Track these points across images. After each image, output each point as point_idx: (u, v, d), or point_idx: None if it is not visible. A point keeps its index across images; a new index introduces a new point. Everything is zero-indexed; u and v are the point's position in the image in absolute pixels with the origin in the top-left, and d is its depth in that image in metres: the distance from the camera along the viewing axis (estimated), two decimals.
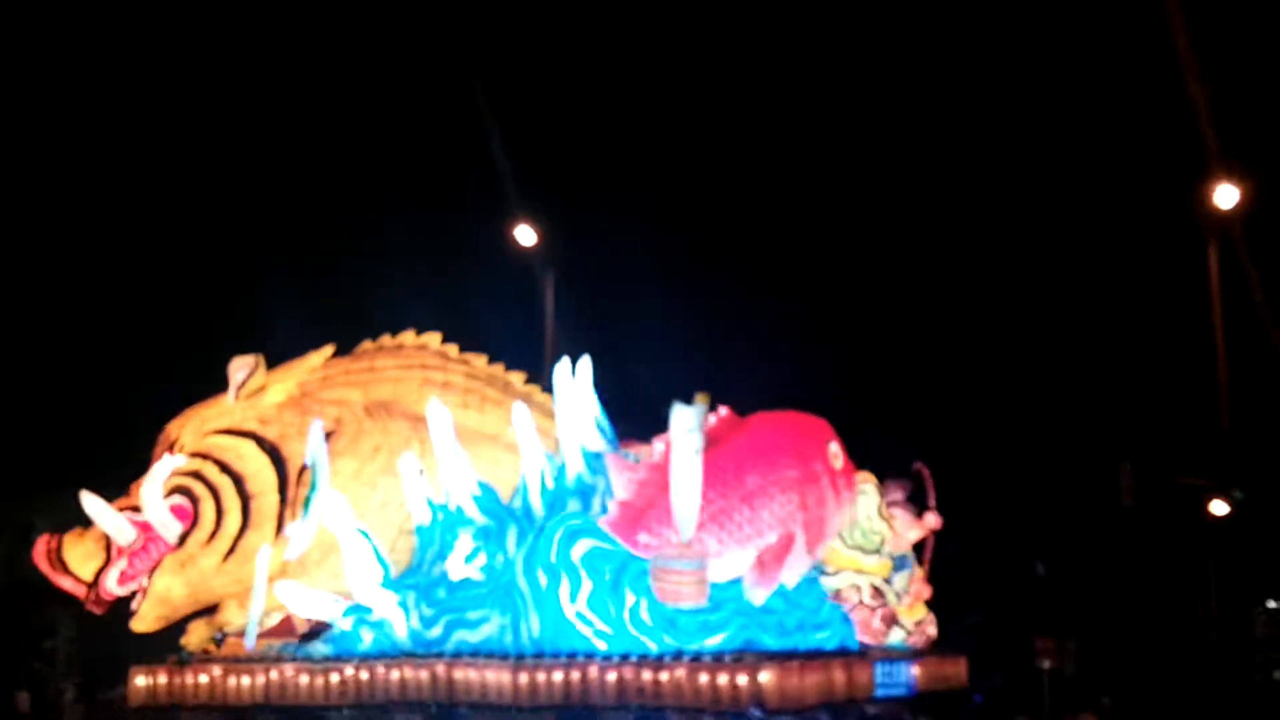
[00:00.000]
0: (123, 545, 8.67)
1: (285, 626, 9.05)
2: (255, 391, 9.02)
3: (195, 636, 9.05)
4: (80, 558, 8.57)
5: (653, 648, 7.64)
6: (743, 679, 7.19)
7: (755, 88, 27.71)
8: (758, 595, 8.01)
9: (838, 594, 9.47)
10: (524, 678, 7.63)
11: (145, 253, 24.48)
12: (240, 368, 9.04)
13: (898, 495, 10.31)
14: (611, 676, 7.47)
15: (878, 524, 9.81)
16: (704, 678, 7.28)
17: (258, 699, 8.60)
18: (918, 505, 11.02)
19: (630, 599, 7.74)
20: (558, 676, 7.54)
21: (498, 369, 9.59)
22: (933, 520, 10.63)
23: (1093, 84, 24.91)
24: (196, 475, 8.72)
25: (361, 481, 8.59)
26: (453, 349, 9.50)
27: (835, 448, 8.86)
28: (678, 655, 7.54)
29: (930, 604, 10.65)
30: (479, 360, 9.58)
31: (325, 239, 25.77)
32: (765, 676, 7.18)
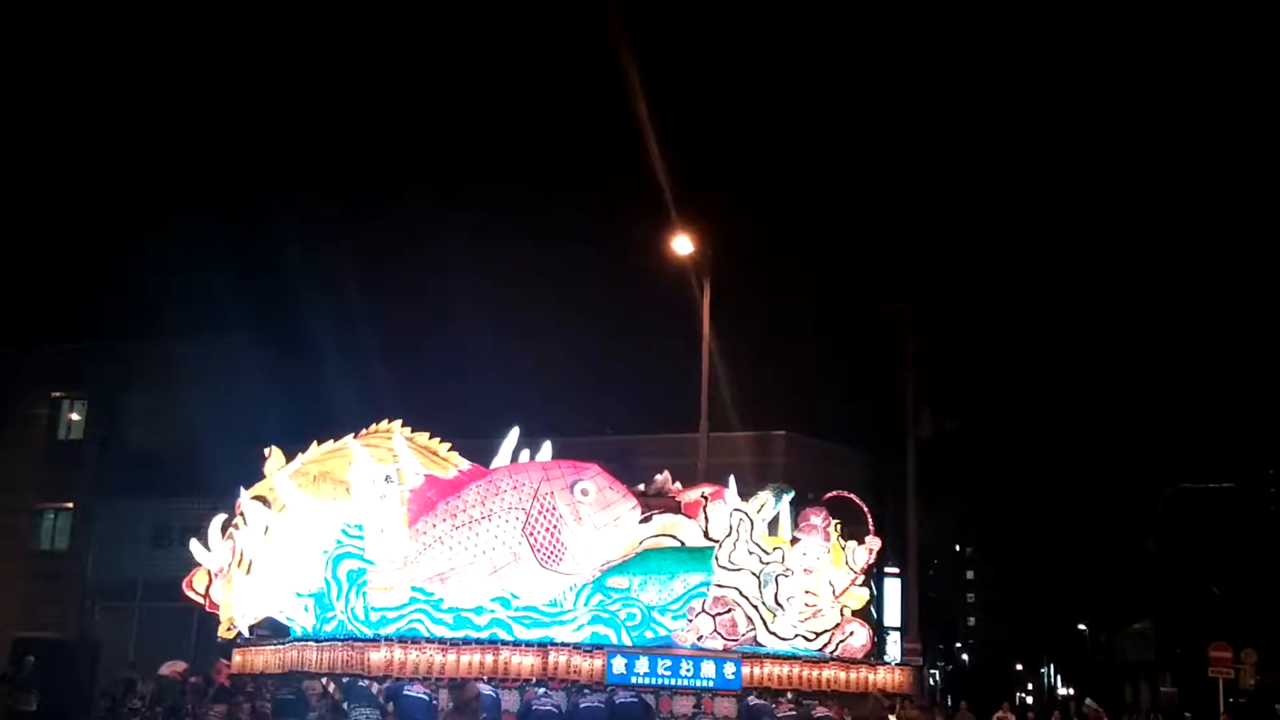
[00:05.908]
0: (214, 570, 12.72)
1: None
2: (274, 471, 12.45)
3: (223, 628, 12.51)
4: (199, 580, 12.85)
5: (367, 633, 10.83)
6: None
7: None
8: (460, 598, 10.80)
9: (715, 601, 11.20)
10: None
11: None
12: (267, 454, 12.65)
13: (815, 521, 11.59)
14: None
15: (750, 545, 11.19)
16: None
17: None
18: (860, 531, 12.24)
19: (354, 600, 10.97)
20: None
21: (422, 437, 12.06)
22: (874, 542, 11.95)
23: None
24: (235, 525, 12.42)
25: (294, 526, 11.76)
26: (395, 426, 11.98)
27: (586, 485, 10.72)
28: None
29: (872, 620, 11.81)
30: (419, 436, 12.22)
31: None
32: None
